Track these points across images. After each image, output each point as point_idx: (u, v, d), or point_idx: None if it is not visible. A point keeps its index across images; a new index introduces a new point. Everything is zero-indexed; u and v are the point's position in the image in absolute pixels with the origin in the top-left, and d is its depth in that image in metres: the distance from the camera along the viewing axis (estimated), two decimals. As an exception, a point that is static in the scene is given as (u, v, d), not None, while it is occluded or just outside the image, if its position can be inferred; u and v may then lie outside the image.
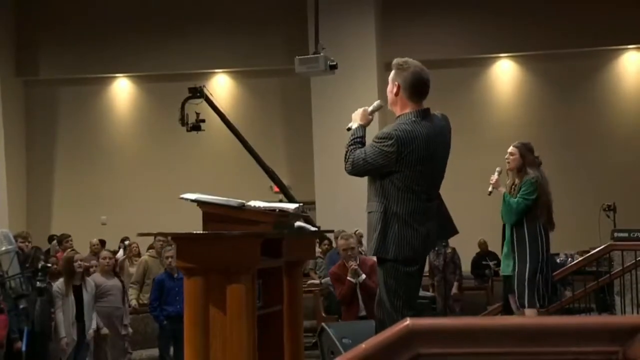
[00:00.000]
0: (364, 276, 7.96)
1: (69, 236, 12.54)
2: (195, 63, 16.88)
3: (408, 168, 4.47)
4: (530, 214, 6.60)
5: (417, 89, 4.54)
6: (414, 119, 4.54)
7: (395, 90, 4.57)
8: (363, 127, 4.69)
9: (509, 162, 6.77)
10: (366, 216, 4.64)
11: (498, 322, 1.79)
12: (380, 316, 4.65)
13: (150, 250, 10.93)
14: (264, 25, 16.61)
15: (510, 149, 6.79)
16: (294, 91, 16.53)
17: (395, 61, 4.65)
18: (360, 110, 4.73)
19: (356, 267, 7.97)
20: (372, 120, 4.76)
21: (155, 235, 10.49)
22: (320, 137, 15.06)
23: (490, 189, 6.85)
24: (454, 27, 16.04)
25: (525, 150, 6.73)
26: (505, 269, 6.91)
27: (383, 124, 14.65)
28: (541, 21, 15.67)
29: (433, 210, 4.62)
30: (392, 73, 4.62)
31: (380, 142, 4.47)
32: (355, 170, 4.55)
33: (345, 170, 4.60)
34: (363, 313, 7.93)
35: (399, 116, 4.60)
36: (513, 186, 6.78)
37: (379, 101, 4.84)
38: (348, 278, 8.01)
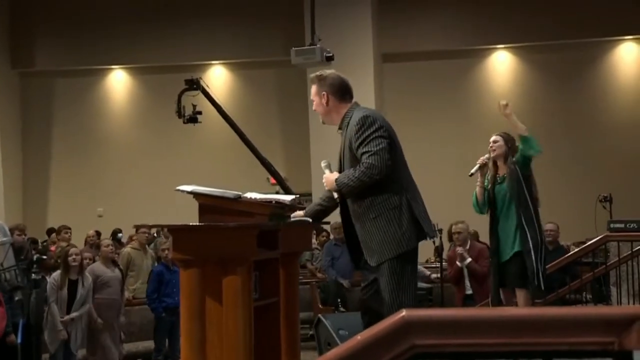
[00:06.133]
0: (469, 260, 8.81)
1: (69, 228, 12.47)
2: (192, 54, 16.83)
3: (395, 150, 4.46)
4: (531, 197, 6.57)
5: (344, 89, 4.57)
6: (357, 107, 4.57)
7: (325, 100, 4.55)
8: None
9: (494, 150, 6.73)
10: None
11: (494, 313, 1.79)
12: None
13: (133, 242, 10.91)
14: (261, 16, 16.56)
15: (494, 137, 6.79)
16: (290, 83, 16.49)
17: (311, 76, 4.67)
18: (330, 177, 4.52)
19: (462, 251, 8.81)
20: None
21: (150, 227, 10.55)
22: (316, 128, 15.00)
23: (473, 170, 6.77)
24: (451, 18, 16.01)
25: (509, 138, 6.78)
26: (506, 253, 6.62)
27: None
28: (538, 12, 15.64)
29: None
30: (314, 87, 4.60)
31: (371, 129, 4.38)
32: (382, 168, 4.31)
33: (376, 178, 4.31)
34: (469, 292, 8.88)
35: (344, 116, 4.53)
36: (497, 176, 6.73)
37: (324, 161, 4.63)
38: (456, 262, 8.89)
